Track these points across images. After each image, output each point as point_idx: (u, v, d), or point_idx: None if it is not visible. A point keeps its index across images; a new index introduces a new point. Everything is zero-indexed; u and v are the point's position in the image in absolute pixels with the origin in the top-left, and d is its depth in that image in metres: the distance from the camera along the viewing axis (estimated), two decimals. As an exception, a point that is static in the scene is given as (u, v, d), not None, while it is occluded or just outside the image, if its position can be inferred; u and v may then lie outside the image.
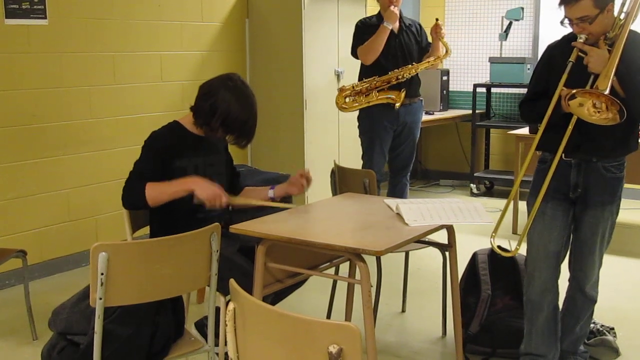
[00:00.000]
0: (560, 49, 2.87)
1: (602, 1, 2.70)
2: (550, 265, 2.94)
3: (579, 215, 2.93)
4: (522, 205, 3.06)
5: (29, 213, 4.43)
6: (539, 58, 3.08)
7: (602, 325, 3.38)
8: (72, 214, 4.66)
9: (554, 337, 3.02)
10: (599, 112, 2.62)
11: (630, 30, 2.73)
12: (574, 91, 2.65)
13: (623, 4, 2.77)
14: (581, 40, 2.75)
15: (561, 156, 2.82)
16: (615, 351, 3.31)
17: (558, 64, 2.81)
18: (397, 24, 4.73)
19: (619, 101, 2.57)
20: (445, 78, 7.03)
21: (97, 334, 2.29)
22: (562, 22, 2.81)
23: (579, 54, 2.76)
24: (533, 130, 2.88)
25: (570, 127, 2.75)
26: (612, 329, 3.42)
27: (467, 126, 7.02)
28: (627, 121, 2.62)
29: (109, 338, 2.35)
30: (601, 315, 3.49)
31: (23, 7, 4.25)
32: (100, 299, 2.25)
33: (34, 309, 3.61)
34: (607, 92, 2.59)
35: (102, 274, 2.22)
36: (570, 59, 2.76)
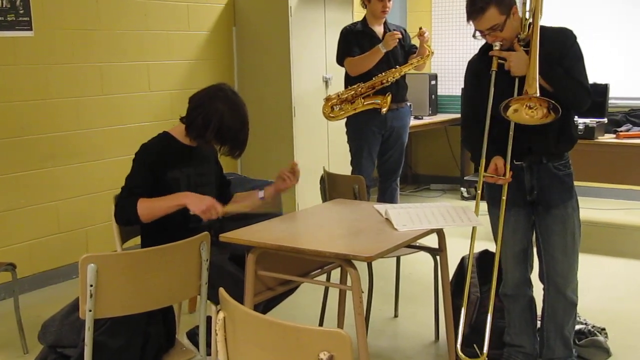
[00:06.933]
0: (481, 62, 2.96)
1: (506, 7, 2.80)
2: (519, 261, 3.06)
3: (545, 218, 2.98)
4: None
5: (18, 226, 4.41)
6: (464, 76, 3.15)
7: (593, 326, 3.39)
8: (61, 226, 4.64)
9: (531, 327, 3.13)
10: (534, 110, 2.70)
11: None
12: (506, 101, 2.74)
13: (524, 3, 2.86)
14: (497, 48, 2.85)
15: (513, 161, 2.88)
16: (606, 352, 3.31)
17: (484, 76, 2.90)
18: (381, 30, 4.76)
19: (549, 98, 2.67)
20: (433, 82, 7.05)
21: (88, 347, 2.27)
22: (474, 36, 2.92)
23: (499, 61, 2.85)
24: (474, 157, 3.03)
25: (511, 133, 2.83)
26: (603, 329, 3.43)
27: (457, 130, 7.04)
28: (562, 112, 2.71)
29: (99, 350, 2.34)
30: (592, 315, 3.50)
31: (8, 19, 4.24)
32: (90, 310, 2.23)
33: (24, 323, 3.58)
34: (537, 94, 2.68)
35: (91, 285, 2.21)
36: (492, 69, 2.86)
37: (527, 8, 2.84)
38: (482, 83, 2.91)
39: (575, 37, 2.88)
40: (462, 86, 6.43)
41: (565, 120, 2.85)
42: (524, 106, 2.72)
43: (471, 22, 2.87)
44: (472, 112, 3.03)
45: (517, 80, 2.82)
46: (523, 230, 3.02)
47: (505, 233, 2.99)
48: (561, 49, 2.85)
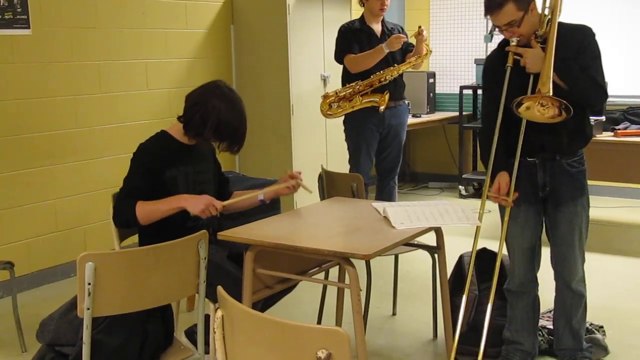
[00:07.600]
0: (499, 57, 2.95)
1: (524, 2, 2.80)
2: (526, 259, 3.05)
3: (554, 214, 2.99)
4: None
5: (16, 224, 4.40)
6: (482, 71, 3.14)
7: (591, 324, 3.39)
8: (59, 224, 4.64)
9: (532, 325, 3.13)
10: (546, 108, 2.70)
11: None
12: (519, 99, 2.74)
13: (545, 0, 2.85)
14: (514, 44, 2.85)
15: (525, 157, 2.88)
16: (604, 349, 3.32)
17: (500, 71, 2.90)
18: (379, 28, 4.76)
19: (561, 99, 2.66)
20: (431, 80, 7.04)
21: (86, 345, 2.27)
22: (491, 31, 2.89)
23: (515, 57, 2.85)
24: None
25: (522, 129, 2.83)
26: (602, 327, 3.43)
27: (455, 128, 7.04)
28: (577, 111, 2.71)
29: (97, 348, 2.34)
30: (591, 313, 3.49)
31: (6, 17, 4.23)
32: (88, 309, 2.23)
33: (22, 321, 3.58)
34: (550, 93, 2.67)
35: (89, 283, 2.21)
36: (508, 64, 2.86)
37: (547, 5, 2.82)
38: (498, 78, 2.90)
39: (593, 35, 2.86)
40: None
41: (580, 118, 2.85)
42: (537, 104, 2.71)
43: (488, 17, 2.86)
44: (491, 111, 2.99)
45: (532, 77, 2.81)
46: (532, 227, 3.01)
47: (515, 229, 2.99)
48: (578, 46, 2.83)
